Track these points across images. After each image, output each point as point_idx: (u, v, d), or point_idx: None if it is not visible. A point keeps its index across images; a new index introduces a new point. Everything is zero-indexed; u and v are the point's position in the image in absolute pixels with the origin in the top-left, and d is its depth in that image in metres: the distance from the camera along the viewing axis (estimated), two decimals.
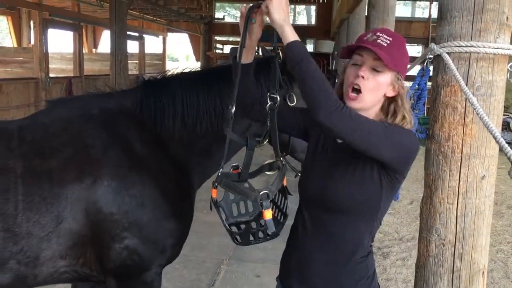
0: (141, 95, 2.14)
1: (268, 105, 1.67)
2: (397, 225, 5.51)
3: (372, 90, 1.50)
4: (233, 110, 1.66)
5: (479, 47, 1.54)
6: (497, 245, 5.04)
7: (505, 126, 10.42)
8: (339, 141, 1.59)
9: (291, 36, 1.42)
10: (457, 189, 1.64)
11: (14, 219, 1.80)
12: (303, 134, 1.74)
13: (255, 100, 1.74)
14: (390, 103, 1.54)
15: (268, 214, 1.55)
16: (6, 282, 1.85)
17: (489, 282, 4.11)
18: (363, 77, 1.48)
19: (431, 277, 1.72)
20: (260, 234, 1.66)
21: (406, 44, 1.58)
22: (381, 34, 1.50)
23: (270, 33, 1.59)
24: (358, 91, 1.49)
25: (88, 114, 2.06)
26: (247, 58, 1.68)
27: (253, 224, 1.65)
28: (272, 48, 1.76)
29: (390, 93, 1.52)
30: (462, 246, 1.65)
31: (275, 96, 1.66)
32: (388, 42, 1.48)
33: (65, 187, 1.87)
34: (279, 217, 1.75)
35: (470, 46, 1.54)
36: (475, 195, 1.63)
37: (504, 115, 10.58)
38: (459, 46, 1.56)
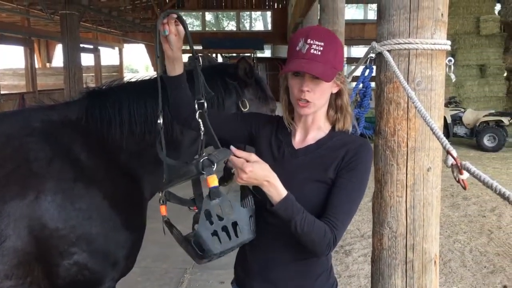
0: (86, 106, 2.09)
1: (197, 113, 1.64)
2: (358, 222, 5.59)
3: (320, 97, 1.53)
4: (161, 122, 1.68)
5: (417, 43, 1.58)
6: (454, 235, 5.19)
7: (458, 121, 10.77)
8: (296, 147, 1.62)
9: (282, 193, 1.43)
10: (405, 182, 1.67)
11: None
12: (249, 140, 1.74)
13: (194, 111, 1.70)
14: (336, 98, 1.61)
15: (213, 181, 1.38)
16: None
17: (447, 272, 4.23)
18: (308, 91, 1.50)
19: (386, 269, 1.74)
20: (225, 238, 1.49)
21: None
22: (312, 41, 1.48)
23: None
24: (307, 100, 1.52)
25: (30, 127, 1.99)
26: (174, 70, 1.66)
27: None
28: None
29: (335, 90, 1.59)
30: (413, 237, 1.68)
31: (202, 101, 1.63)
32: (321, 48, 1.47)
33: (7, 204, 1.79)
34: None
35: (409, 43, 1.59)
36: (422, 187, 1.67)
37: (456, 109, 10.96)
38: (398, 44, 1.61)
